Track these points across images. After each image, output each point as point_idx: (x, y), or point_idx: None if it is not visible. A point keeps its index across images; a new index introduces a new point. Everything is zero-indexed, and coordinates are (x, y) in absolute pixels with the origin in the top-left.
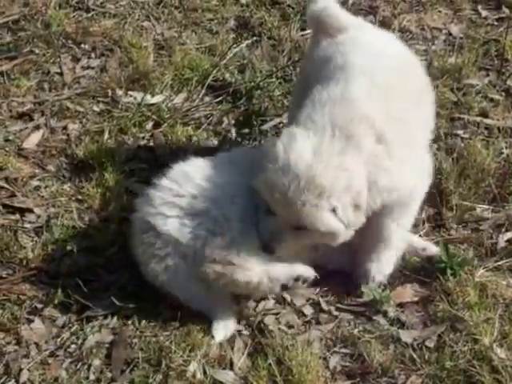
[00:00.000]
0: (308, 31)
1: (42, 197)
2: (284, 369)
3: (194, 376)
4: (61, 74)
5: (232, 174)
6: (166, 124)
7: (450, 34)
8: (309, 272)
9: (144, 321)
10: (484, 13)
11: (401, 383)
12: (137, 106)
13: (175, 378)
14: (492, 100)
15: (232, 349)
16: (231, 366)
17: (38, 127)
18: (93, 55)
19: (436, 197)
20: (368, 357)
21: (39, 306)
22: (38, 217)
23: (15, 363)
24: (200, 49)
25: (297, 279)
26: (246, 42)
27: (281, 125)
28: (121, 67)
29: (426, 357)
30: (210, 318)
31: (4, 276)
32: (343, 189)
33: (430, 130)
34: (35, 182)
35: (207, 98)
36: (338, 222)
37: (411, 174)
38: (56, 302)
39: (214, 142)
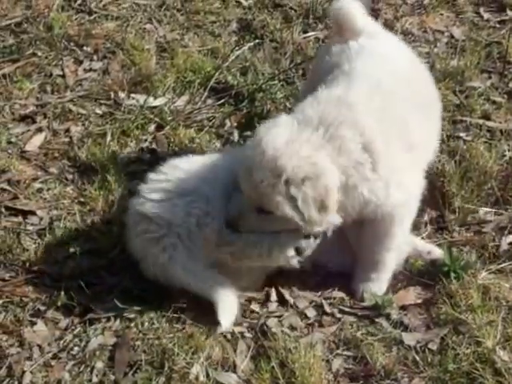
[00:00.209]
0: (310, 34)
1: (45, 199)
2: (287, 371)
3: (196, 378)
4: (63, 76)
5: (221, 161)
6: (168, 126)
7: (453, 37)
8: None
9: (147, 323)
10: (486, 15)
11: None
12: (139, 109)
13: (178, 380)
14: (494, 102)
15: (235, 351)
16: (234, 369)
17: (40, 130)
18: (95, 58)
19: (438, 199)
20: (371, 359)
21: (42, 308)
22: (41, 219)
23: (18, 365)
24: (202, 51)
25: (307, 236)
26: (249, 44)
27: None
28: (123, 70)
29: (429, 359)
30: (212, 319)
31: (7, 278)
32: (304, 179)
33: (432, 150)
34: (38, 185)
35: (209, 101)
36: (293, 210)
37: (395, 192)
38: (59, 304)
39: (217, 144)
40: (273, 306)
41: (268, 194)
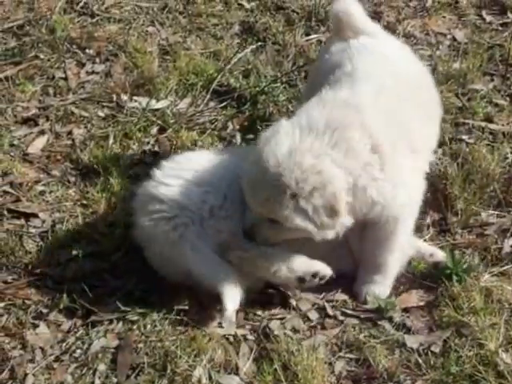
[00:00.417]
0: (313, 36)
1: (47, 202)
2: (289, 374)
3: (199, 381)
4: (65, 78)
5: (233, 158)
6: (170, 129)
7: (455, 40)
8: (326, 270)
9: (149, 326)
10: (488, 18)
11: None
12: (142, 111)
13: (180, 383)
14: (497, 105)
15: (237, 354)
16: (236, 371)
17: (42, 132)
18: (97, 60)
19: (441, 202)
20: (373, 362)
21: (44, 310)
22: (43, 222)
23: (20, 368)
24: (205, 54)
25: (314, 275)
26: (251, 47)
27: None
28: (125, 72)
29: (432, 362)
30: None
31: (9, 281)
32: (312, 191)
33: (431, 149)
34: (40, 187)
35: (212, 103)
36: (305, 221)
37: (400, 192)
38: (61, 306)
39: (219, 146)
40: (275, 308)
41: (276, 210)
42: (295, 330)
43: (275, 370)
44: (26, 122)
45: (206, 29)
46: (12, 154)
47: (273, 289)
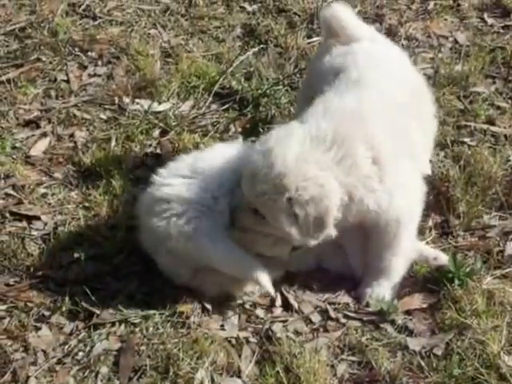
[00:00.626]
0: (315, 39)
1: (49, 204)
2: (292, 376)
3: (201, 383)
4: (67, 81)
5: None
6: (172, 132)
7: (457, 42)
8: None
9: (151, 328)
10: (490, 21)
11: None
12: (144, 114)
13: None
14: (499, 108)
15: (240, 356)
16: (239, 374)
17: (44, 135)
18: (99, 63)
19: (443, 204)
20: (376, 364)
21: (47, 313)
22: (45, 224)
23: (23, 370)
24: (207, 56)
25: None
26: (253, 49)
27: None
28: (128, 75)
29: (434, 364)
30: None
31: (11, 283)
32: (309, 200)
33: (428, 156)
34: (42, 190)
35: (214, 106)
36: (291, 225)
37: (398, 201)
38: (63, 309)
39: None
40: (277, 311)
41: (268, 207)
42: (297, 333)
43: (277, 372)
44: (28, 124)
45: (207, 31)
46: (14, 156)
47: (275, 291)
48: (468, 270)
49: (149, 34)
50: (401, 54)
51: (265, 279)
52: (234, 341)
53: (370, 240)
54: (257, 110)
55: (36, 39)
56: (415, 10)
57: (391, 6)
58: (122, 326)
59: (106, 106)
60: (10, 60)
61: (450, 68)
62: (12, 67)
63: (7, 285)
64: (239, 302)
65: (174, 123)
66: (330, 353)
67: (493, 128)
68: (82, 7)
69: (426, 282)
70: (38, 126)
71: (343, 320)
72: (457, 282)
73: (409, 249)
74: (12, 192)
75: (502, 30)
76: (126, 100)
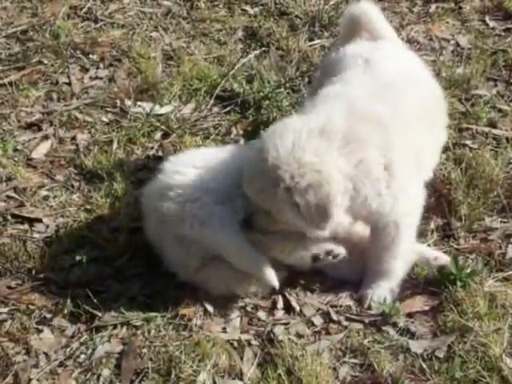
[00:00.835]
0: (316, 42)
1: (51, 207)
2: (294, 379)
3: None
4: (69, 84)
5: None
6: (174, 134)
7: (458, 45)
8: (340, 249)
9: (153, 331)
10: (492, 23)
11: None
12: (145, 117)
13: None
14: (500, 110)
15: (241, 359)
16: (241, 377)
17: (46, 137)
18: (101, 65)
19: (445, 207)
20: (378, 367)
21: (48, 315)
22: (47, 227)
23: (24, 373)
24: (208, 59)
25: (328, 253)
26: (255, 52)
27: None
28: (129, 77)
29: (436, 367)
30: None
31: (13, 286)
32: (307, 187)
33: (434, 163)
34: (44, 192)
35: (216, 109)
36: (296, 216)
37: (400, 205)
38: (65, 311)
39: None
40: (279, 313)
41: (270, 202)
42: (299, 335)
43: (279, 375)
44: (29, 127)
45: (209, 34)
46: (16, 158)
47: (277, 294)
48: (470, 271)
49: (150, 36)
50: (421, 61)
51: (271, 274)
52: (235, 343)
53: (371, 242)
54: (258, 113)
55: (38, 42)
56: (417, 13)
57: (393, 8)
58: (124, 329)
59: (108, 109)
60: (12, 63)
61: (452, 71)
62: (14, 70)
63: (9, 287)
64: (241, 304)
65: (175, 126)
66: (332, 355)
67: (494, 131)
68: (84, 10)
69: (428, 284)
70: (40, 129)
71: (345, 322)
72: (459, 283)
73: (408, 251)
74: (14, 194)
75: (503, 33)
76: (128, 103)
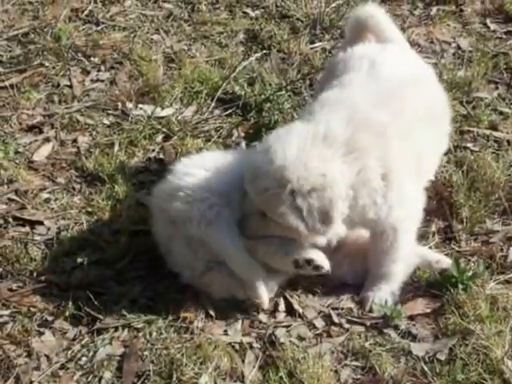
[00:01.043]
0: (317, 44)
1: (52, 209)
2: (295, 382)
3: None
4: (70, 86)
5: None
6: (176, 137)
7: (459, 48)
8: (323, 262)
9: (155, 333)
10: (493, 26)
11: None
12: (147, 119)
13: None
14: (501, 113)
15: (243, 362)
16: (242, 379)
17: (47, 140)
18: (102, 68)
19: (446, 209)
20: (379, 370)
21: (50, 318)
22: (48, 229)
23: (26, 376)
24: (210, 62)
25: (308, 262)
26: (256, 55)
27: None
28: (130, 80)
29: (438, 370)
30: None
31: (14, 288)
32: (311, 190)
33: (435, 169)
34: (45, 195)
35: (217, 111)
36: (297, 220)
37: (396, 212)
38: (67, 314)
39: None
40: (281, 316)
41: (272, 203)
42: (301, 338)
43: (281, 377)
44: (31, 129)
45: (210, 37)
46: (17, 161)
47: (278, 296)
48: (471, 274)
49: (152, 39)
50: (427, 65)
51: (262, 290)
52: (237, 346)
53: (371, 246)
54: (260, 116)
55: (39, 44)
56: (418, 16)
57: (394, 11)
58: (126, 331)
59: (109, 112)
60: (13, 65)
61: (453, 73)
62: (15, 72)
63: (10, 290)
64: (242, 307)
65: (177, 128)
66: (334, 358)
67: (496, 133)
68: (85, 13)
69: (430, 287)
70: (41, 131)
71: (347, 325)
72: (460, 286)
73: (408, 255)
74: (15, 197)
75: (504, 36)
76: (129, 105)
